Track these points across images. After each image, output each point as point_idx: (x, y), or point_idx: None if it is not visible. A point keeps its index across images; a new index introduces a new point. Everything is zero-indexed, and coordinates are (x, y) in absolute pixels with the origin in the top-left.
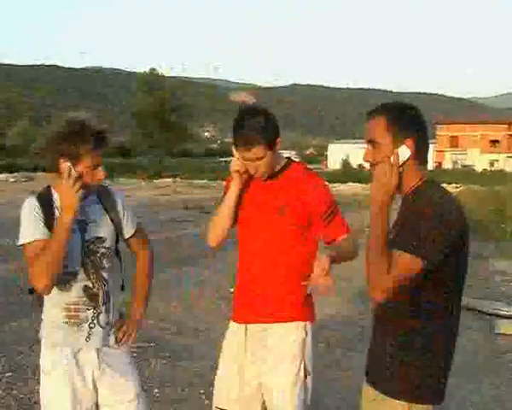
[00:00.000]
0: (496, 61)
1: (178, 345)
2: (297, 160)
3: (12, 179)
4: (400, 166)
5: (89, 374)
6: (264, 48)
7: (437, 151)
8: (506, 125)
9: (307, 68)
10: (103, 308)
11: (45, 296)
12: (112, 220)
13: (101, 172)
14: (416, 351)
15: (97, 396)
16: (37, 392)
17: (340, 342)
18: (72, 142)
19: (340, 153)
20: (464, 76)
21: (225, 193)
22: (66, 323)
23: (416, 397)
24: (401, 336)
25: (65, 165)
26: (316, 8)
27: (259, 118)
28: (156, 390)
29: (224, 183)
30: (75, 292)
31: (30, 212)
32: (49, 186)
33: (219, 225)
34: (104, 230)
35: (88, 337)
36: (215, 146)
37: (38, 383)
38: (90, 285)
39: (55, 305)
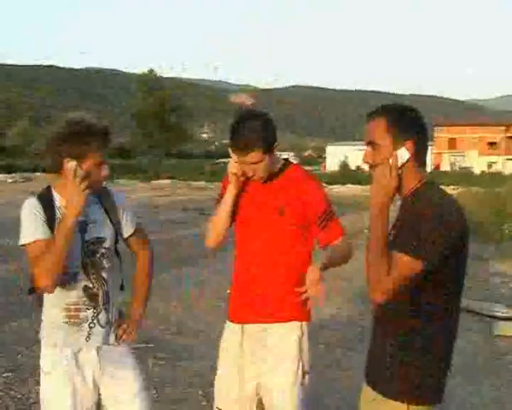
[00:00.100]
0: (495, 64)
1: (178, 345)
2: (295, 162)
3: (10, 180)
4: (400, 168)
5: (89, 374)
6: (264, 48)
7: (435, 153)
8: (504, 128)
9: (307, 69)
10: (103, 308)
11: (45, 296)
12: (111, 221)
13: (106, 170)
14: (415, 351)
15: (98, 396)
16: (36, 392)
17: (341, 342)
18: (78, 140)
19: (337, 155)
20: (464, 78)
21: (222, 193)
22: (67, 323)
23: (416, 397)
24: (401, 336)
25: (70, 164)
26: (316, 8)
27: (257, 122)
28: (156, 390)
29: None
30: (75, 292)
31: (30, 212)
32: (49, 186)
33: (218, 226)
34: (104, 230)
35: (88, 337)
36: (213, 148)
37: (37, 383)
38: (90, 285)
39: (54, 305)
